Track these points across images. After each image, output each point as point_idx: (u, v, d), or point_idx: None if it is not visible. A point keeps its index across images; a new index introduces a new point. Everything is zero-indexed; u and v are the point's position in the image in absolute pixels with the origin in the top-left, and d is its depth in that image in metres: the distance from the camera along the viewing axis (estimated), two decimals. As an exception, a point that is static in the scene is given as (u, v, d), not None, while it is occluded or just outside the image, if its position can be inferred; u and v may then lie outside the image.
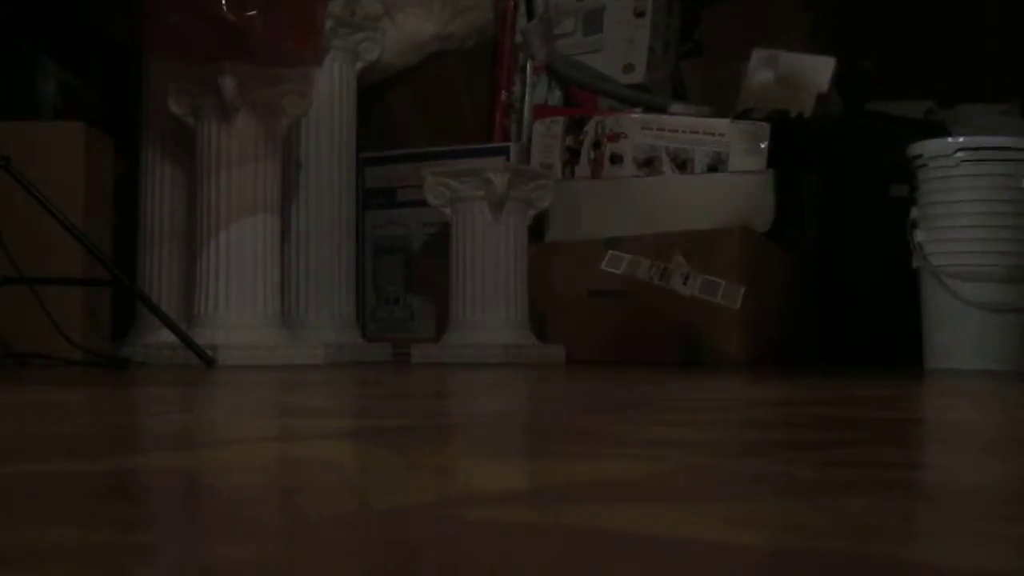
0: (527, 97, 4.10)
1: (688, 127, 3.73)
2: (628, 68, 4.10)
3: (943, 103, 4.05)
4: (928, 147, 3.42)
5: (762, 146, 3.63)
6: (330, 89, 3.51)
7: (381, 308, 4.14)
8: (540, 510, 0.60)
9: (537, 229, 3.82)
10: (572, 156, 3.90)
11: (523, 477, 0.75)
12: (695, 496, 0.66)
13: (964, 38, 4.33)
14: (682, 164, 3.73)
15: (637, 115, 3.83)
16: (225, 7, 2.90)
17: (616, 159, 3.81)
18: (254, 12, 2.91)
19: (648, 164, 3.77)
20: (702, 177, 3.69)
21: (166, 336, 2.99)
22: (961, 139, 3.42)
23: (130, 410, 1.42)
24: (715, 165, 3.69)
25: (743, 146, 3.65)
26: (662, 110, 3.85)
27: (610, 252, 3.68)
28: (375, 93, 3.97)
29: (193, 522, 0.57)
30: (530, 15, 4.19)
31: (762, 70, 3.90)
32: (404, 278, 4.11)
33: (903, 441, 1.07)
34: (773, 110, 3.75)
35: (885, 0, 4.54)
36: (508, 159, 3.90)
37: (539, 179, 3.75)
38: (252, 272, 3.16)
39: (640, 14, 4.16)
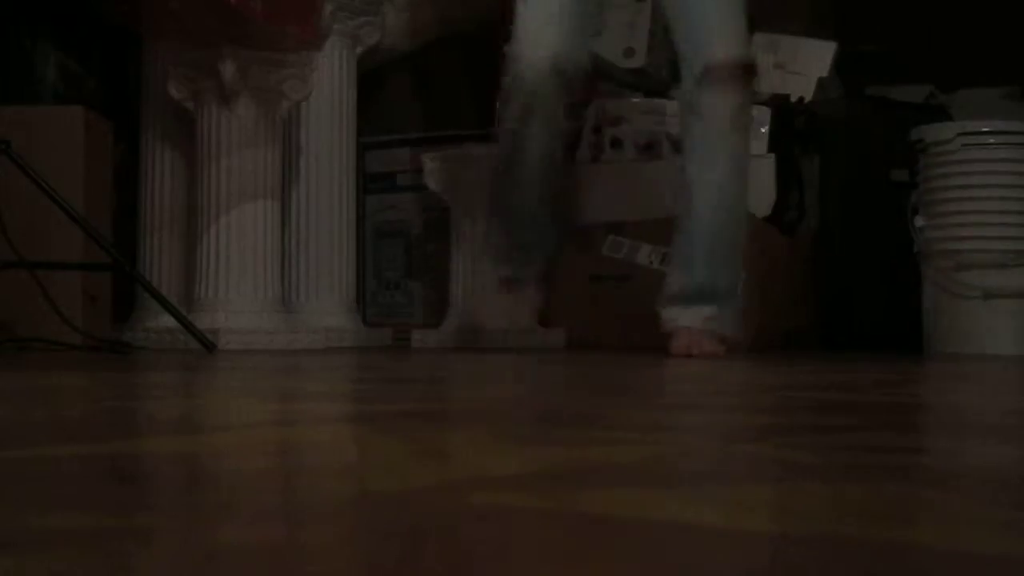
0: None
1: (689, 112, 3.72)
2: (629, 52, 4.09)
3: (944, 87, 4.04)
4: (929, 131, 3.42)
5: (763, 131, 3.63)
6: (330, 74, 3.51)
7: (381, 293, 4.14)
8: (541, 494, 0.60)
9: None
10: (572, 141, 3.90)
11: (524, 462, 0.75)
12: (698, 481, 0.66)
13: (965, 22, 4.32)
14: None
15: (638, 99, 3.83)
16: (225, -9, 2.89)
17: (616, 143, 3.81)
18: (254, -4, 2.91)
19: (649, 148, 3.77)
20: (703, 162, 3.68)
21: (167, 321, 2.99)
22: (962, 124, 3.42)
23: (131, 395, 1.42)
24: (716, 150, 3.68)
25: (744, 131, 3.64)
26: (663, 94, 3.85)
27: (611, 237, 3.68)
28: (376, 78, 3.96)
29: (194, 506, 0.57)
30: (530, -1, 4.18)
31: (763, 54, 3.89)
32: (404, 263, 4.11)
33: (904, 425, 1.07)
34: (774, 94, 3.75)
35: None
36: (508, 144, 3.89)
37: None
38: (252, 257, 3.16)
39: (641, -2, 4.15)
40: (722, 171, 2.81)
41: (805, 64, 3.85)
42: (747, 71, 2.79)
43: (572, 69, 2.86)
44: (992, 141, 3.34)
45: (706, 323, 2.79)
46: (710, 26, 2.77)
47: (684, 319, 2.80)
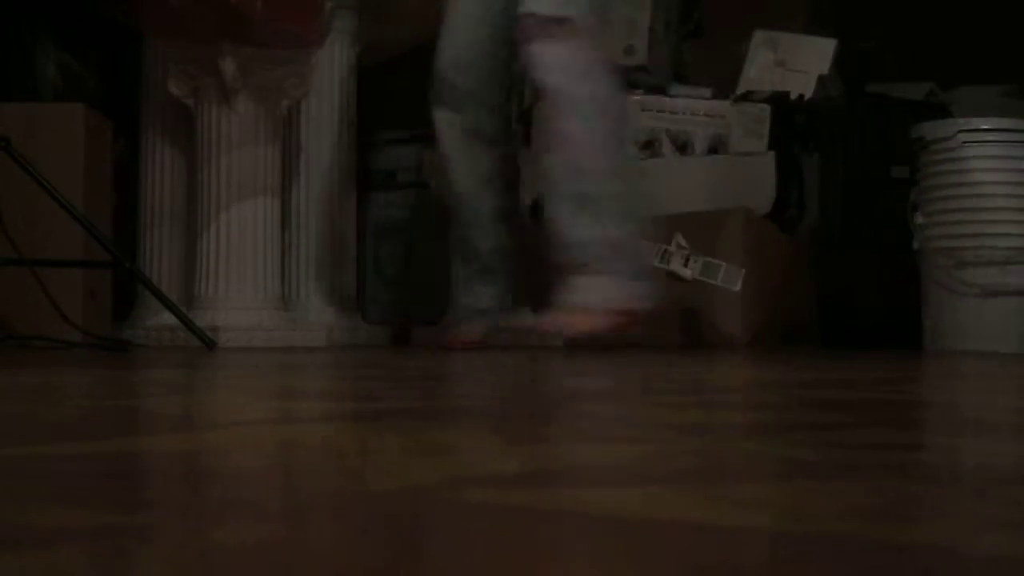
0: (527, 78, 4.09)
1: (689, 109, 3.72)
2: (629, 50, 4.09)
3: (944, 85, 4.05)
4: (929, 129, 3.42)
5: (763, 128, 3.63)
6: (331, 71, 3.51)
7: (381, 291, 4.14)
8: (541, 492, 0.60)
9: (538, 212, 3.82)
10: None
11: (524, 459, 0.75)
12: (697, 479, 0.66)
13: (965, 19, 4.32)
14: (683, 146, 3.72)
15: (638, 97, 3.83)
16: (225, -12, 2.89)
17: (616, 141, 3.80)
18: (254, -7, 2.91)
19: (648, 146, 3.77)
20: (703, 159, 3.68)
21: (167, 318, 2.99)
22: (962, 121, 3.42)
23: (131, 392, 1.42)
24: (716, 147, 3.68)
25: (744, 128, 3.64)
26: (663, 92, 3.85)
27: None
28: (376, 74, 3.96)
29: (193, 504, 0.57)
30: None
31: (763, 51, 3.89)
32: (404, 261, 4.11)
33: (903, 423, 1.07)
34: (774, 92, 3.75)
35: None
36: (508, 141, 3.88)
37: (539, 161, 3.75)
38: (252, 254, 3.16)
39: (641, -5, 4.15)
40: (562, 129, 2.73)
41: (805, 61, 3.85)
42: (560, 25, 2.68)
43: (467, 82, 2.99)
44: (992, 138, 3.34)
45: (587, 297, 2.70)
46: None
47: (573, 297, 2.72)
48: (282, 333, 3.15)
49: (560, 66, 2.70)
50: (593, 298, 2.73)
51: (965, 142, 3.33)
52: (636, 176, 2.91)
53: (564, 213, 2.72)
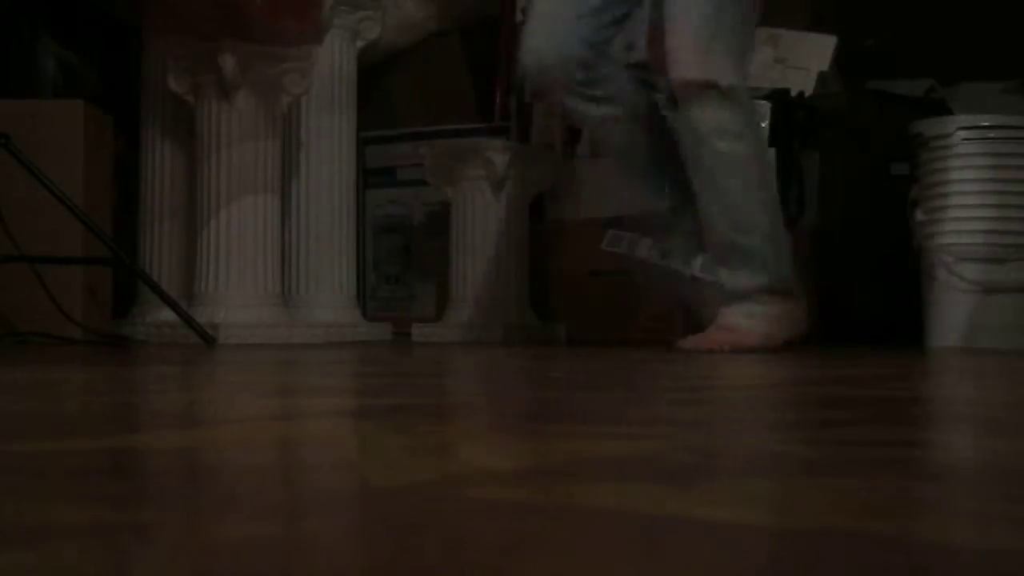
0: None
1: (689, 106, 3.71)
2: (629, 47, 4.08)
3: (944, 81, 4.04)
4: (928, 126, 3.41)
5: (763, 125, 3.62)
6: (330, 68, 3.51)
7: (381, 287, 4.14)
8: (540, 489, 0.60)
9: (537, 208, 3.82)
10: (572, 135, 3.89)
11: (523, 456, 0.75)
12: (697, 475, 0.66)
13: (966, 16, 4.31)
14: (683, 143, 3.71)
15: (638, 94, 3.82)
16: (225, -15, 2.89)
17: (617, 138, 3.80)
18: (254, -10, 2.91)
19: (649, 143, 3.76)
20: (703, 156, 3.67)
21: (167, 315, 2.99)
22: (962, 118, 3.42)
23: (131, 389, 1.42)
24: (716, 144, 3.67)
25: (744, 125, 3.63)
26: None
27: (611, 231, 3.67)
28: (375, 72, 3.96)
29: (194, 500, 0.57)
30: (530, -7, 4.17)
31: (763, 48, 3.89)
32: (404, 257, 4.11)
33: (903, 419, 1.07)
34: (774, 89, 3.75)
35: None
36: (508, 138, 3.89)
37: (539, 158, 3.75)
38: (252, 251, 3.16)
39: (641, -8, 4.14)
40: (705, 179, 2.84)
41: (805, 58, 3.85)
42: (708, 87, 2.75)
43: (559, 67, 2.92)
44: (992, 135, 3.33)
45: (728, 320, 2.84)
46: (671, 46, 2.80)
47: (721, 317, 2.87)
48: (282, 330, 3.15)
49: (719, 130, 2.77)
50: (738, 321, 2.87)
51: (965, 139, 3.32)
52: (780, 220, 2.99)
53: (723, 262, 2.90)
